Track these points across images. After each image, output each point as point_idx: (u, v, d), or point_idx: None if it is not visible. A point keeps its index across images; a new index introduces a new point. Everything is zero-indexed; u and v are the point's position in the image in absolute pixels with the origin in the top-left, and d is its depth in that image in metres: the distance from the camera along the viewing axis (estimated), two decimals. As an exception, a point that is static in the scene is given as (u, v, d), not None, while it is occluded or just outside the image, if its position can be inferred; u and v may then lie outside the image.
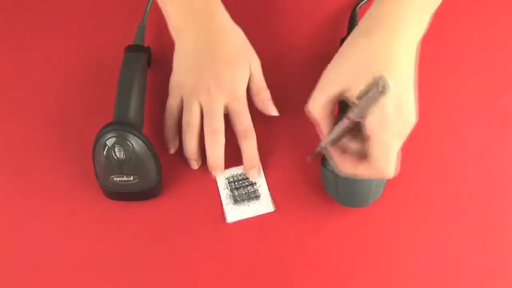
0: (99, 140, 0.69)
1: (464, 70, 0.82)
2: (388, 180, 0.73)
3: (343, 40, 0.80)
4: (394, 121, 0.64)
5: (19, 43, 0.83)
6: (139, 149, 0.69)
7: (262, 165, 0.77)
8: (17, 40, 0.83)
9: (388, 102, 0.63)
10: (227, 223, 0.74)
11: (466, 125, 0.79)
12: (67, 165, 0.76)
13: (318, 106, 0.67)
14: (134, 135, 0.69)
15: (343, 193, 0.73)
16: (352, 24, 0.80)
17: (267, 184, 0.76)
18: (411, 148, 0.78)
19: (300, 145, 0.77)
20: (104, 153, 0.69)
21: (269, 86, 0.78)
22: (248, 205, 0.75)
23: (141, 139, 0.69)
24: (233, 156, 0.77)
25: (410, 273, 0.73)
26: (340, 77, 0.66)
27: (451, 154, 0.78)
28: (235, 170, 0.77)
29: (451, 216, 0.75)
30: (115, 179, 0.71)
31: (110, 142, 0.68)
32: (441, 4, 0.85)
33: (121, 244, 0.74)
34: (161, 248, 0.74)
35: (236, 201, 0.75)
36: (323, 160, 0.74)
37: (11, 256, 0.73)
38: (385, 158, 0.65)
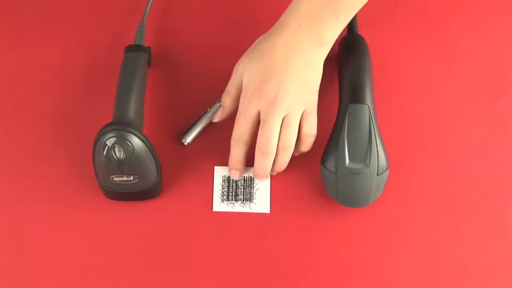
0: (99, 140, 0.69)
1: (464, 70, 0.82)
2: (388, 180, 0.73)
3: (343, 40, 0.80)
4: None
5: (19, 43, 0.83)
6: (139, 149, 0.69)
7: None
8: (17, 40, 0.83)
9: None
10: (214, 211, 0.74)
11: (466, 125, 0.79)
12: (67, 165, 0.76)
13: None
14: (134, 135, 0.69)
15: (343, 193, 0.73)
16: (351, 22, 0.80)
17: (270, 187, 0.76)
18: (411, 148, 0.78)
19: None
20: (104, 153, 0.69)
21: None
22: (243, 206, 0.75)
23: (141, 139, 0.69)
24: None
25: (410, 273, 0.73)
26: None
27: (451, 154, 0.78)
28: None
29: (451, 216, 0.75)
30: (115, 179, 0.71)
31: (110, 142, 0.68)
32: (441, 4, 0.85)
33: (121, 244, 0.74)
34: (161, 248, 0.74)
35: (229, 199, 0.75)
36: (323, 159, 0.74)
37: (11, 256, 0.73)
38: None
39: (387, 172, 0.73)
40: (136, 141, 0.69)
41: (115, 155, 0.69)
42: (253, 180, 0.76)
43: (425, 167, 0.77)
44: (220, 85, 0.80)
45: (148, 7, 0.83)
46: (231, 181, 0.76)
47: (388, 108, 0.79)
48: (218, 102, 0.78)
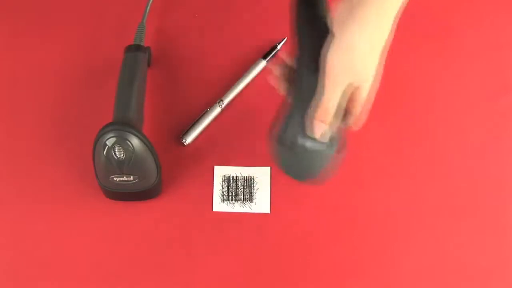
0: (99, 140, 0.69)
1: (464, 70, 0.82)
2: (388, 180, 0.73)
3: None
4: None
5: (19, 43, 0.83)
6: (139, 149, 0.69)
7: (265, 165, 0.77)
8: (17, 40, 0.83)
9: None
10: (214, 211, 0.74)
11: (466, 125, 0.79)
12: (67, 165, 0.76)
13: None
14: (134, 135, 0.69)
15: (293, 167, 0.71)
16: None
17: (270, 187, 0.76)
18: (411, 147, 0.78)
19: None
20: (104, 153, 0.69)
21: (264, 86, 0.78)
22: (243, 206, 0.75)
23: (141, 139, 0.69)
24: (233, 155, 0.77)
25: (410, 273, 0.73)
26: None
27: (451, 154, 0.78)
28: (235, 170, 0.77)
29: (451, 216, 0.75)
30: (115, 179, 0.71)
31: (110, 142, 0.68)
32: (441, 4, 0.85)
33: (121, 244, 0.74)
34: (161, 248, 0.74)
35: (229, 199, 0.76)
36: (277, 135, 0.69)
37: (11, 256, 0.73)
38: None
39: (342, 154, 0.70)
40: (136, 141, 0.69)
41: (115, 155, 0.69)
42: (253, 180, 0.77)
43: (425, 167, 0.77)
44: (220, 85, 0.80)
45: (148, 7, 0.83)
46: (231, 181, 0.76)
47: (388, 108, 0.79)
48: (218, 102, 0.78)
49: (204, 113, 0.78)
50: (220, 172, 0.77)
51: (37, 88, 0.80)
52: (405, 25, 0.84)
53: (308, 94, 0.64)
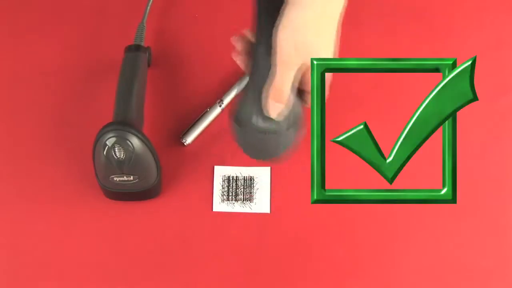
0: (99, 140, 0.69)
1: (464, 70, 0.82)
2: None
3: None
4: None
5: (19, 43, 0.83)
6: (139, 149, 0.69)
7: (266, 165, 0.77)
8: (17, 40, 0.83)
9: None
10: (214, 211, 0.74)
11: (466, 125, 0.79)
12: (67, 165, 0.76)
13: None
14: (134, 135, 0.69)
15: (250, 146, 0.69)
16: None
17: (270, 187, 0.76)
18: (411, 148, 0.78)
19: (301, 144, 0.77)
20: (104, 153, 0.69)
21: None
22: (243, 206, 0.75)
23: (141, 139, 0.69)
24: (233, 155, 0.77)
25: (410, 273, 0.73)
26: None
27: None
28: (235, 170, 0.77)
29: (451, 216, 0.75)
30: (115, 179, 0.71)
31: (110, 142, 0.68)
32: (441, 4, 0.85)
33: (121, 244, 0.74)
34: (161, 248, 0.74)
35: (229, 199, 0.76)
36: (236, 116, 0.68)
37: (11, 256, 0.73)
38: None
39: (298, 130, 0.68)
40: (136, 141, 0.69)
41: (115, 155, 0.69)
42: (253, 180, 0.77)
43: (425, 167, 0.77)
44: (220, 85, 0.80)
45: (148, 7, 0.83)
46: (231, 181, 0.76)
47: (387, 108, 0.79)
48: (218, 102, 0.78)
49: (204, 113, 0.78)
50: (220, 172, 0.77)
51: (37, 88, 0.80)
52: (405, 25, 0.84)
53: (263, 73, 0.62)
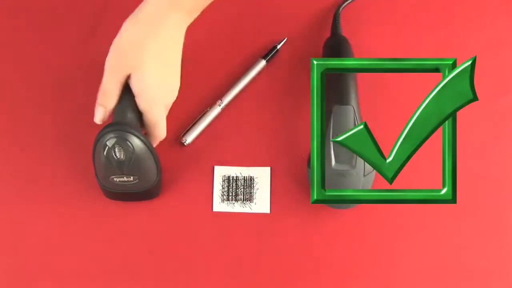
0: (99, 141, 0.69)
1: (464, 70, 0.82)
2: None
3: (326, 41, 0.80)
4: (159, 97, 0.71)
5: (19, 43, 0.83)
6: (139, 149, 0.69)
7: (266, 165, 0.77)
8: (17, 40, 0.83)
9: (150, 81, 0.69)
10: (214, 211, 0.74)
11: (466, 125, 0.79)
12: (67, 165, 0.76)
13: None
14: (134, 135, 0.69)
15: None
16: (335, 25, 0.81)
17: (270, 187, 0.76)
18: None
19: (301, 144, 0.77)
20: (104, 153, 0.69)
21: (264, 86, 0.78)
22: (243, 206, 0.75)
23: (141, 140, 0.69)
24: (233, 155, 0.77)
25: (410, 273, 0.73)
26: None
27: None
28: (235, 170, 0.77)
29: (451, 216, 0.75)
30: (115, 179, 0.71)
31: (110, 142, 0.68)
32: (441, 4, 0.85)
33: (121, 244, 0.74)
34: (161, 248, 0.74)
35: (229, 199, 0.76)
36: (309, 161, 0.74)
37: (11, 256, 0.73)
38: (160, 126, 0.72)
39: (374, 173, 0.73)
40: (136, 142, 0.69)
41: (115, 155, 0.69)
42: (253, 180, 0.77)
43: (425, 167, 0.77)
44: (220, 85, 0.80)
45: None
46: (231, 181, 0.76)
47: (386, 108, 0.79)
48: (218, 102, 0.78)
49: (204, 113, 0.78)
50: (220, 172, 0.77)
51: (37, 88, 0.80)
52: (405, 25, 0.84)
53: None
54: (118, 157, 0.69)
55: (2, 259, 0.73)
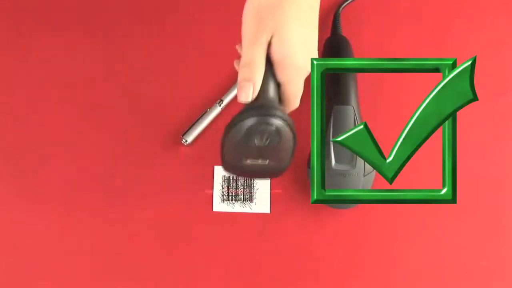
0: (239, 124, 0.61)
1: (464, 70, 0.82)
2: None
3: (326, 41, 0.80)
4: (302, 63, 0.63)
5: (19, 43, 0.83)
6: (285, 138, 0.63)
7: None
8: (17, 40, 0.83)
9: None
10: (214, 211, 0.75)
11: (465, 125, 0.79)
12: (67, 165, 0.76)
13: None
14: (284, 121, 0.62)
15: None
16: (335, 25, 0.81)
17: (270, 187, 0.76)
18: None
19: (301, 144, 0.78)
20: (245, 138, 0.62)
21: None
22: (243, 206, 0.75)
23: (289, 127, 0.62)
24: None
25: (410, 273, 0.73)
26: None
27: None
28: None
29: (451, 216, 0.75)
30: (248, 161, 0.65)
31: (254, 128, 0.61)
32: (441, 4, 0.85)
33: (121, 244, 0.74)
34: (161, 248, 0.74)
35: (229, 199, 0.76)
36: (309, 162, 0.74)
37: (11, 256, 0.73)
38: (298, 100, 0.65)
39: (374, 173, 0.73)
40: (284, 130, 0.62)
41: (257, 142, 0.62)
42: (253, 180, 0.77)
43: (425, 167, 0.77)
44: (220, 85, 0.80)
45: (148, 7, 0.82)
46: (231, 181, 0.76)
47: (386, 108, 0.79)
48: (218, 102, 0.78)
49: (204, 113, 0.78)
50: (220, 172, 0.77)
51: (37, 88, 0.80)
52: (405, 25, 0.84)
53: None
54: (260, 143, 0.62)
55: (2, 259, 0.73)
